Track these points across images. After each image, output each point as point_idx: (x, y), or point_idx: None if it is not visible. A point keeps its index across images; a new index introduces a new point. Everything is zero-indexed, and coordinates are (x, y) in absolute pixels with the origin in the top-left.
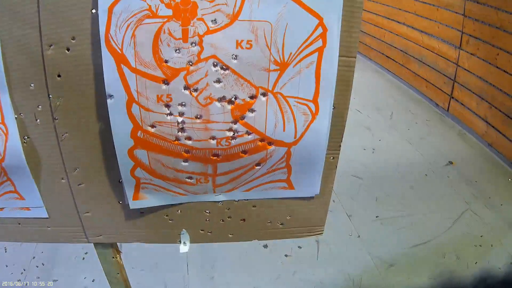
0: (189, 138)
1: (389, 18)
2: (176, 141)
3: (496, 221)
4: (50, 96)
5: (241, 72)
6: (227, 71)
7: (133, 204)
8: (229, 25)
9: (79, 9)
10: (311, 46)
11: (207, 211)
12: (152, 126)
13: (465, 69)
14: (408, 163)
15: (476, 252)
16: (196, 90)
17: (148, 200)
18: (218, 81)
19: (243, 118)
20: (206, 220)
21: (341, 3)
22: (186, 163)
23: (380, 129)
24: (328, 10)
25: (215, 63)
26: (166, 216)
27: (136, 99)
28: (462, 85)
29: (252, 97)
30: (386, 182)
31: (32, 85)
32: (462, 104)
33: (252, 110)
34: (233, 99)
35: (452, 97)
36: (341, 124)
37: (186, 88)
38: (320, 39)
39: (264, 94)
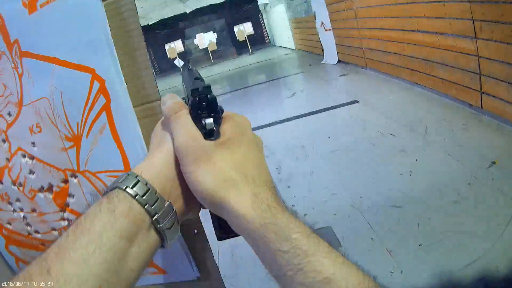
0: (37, 232)
1: (403, 30)
2: (29, 235)
3: None
4: None
5: (44, 158)
6: (33, 161)
7: None
8: (19, 114)
9: None
10: (94, 107)
11: None
12: (9, 224)
13: (486, 58)
14: (449, 177)
15: None
16: (21, 184)
17: None
18: (31, 172)
19: (67, 205)
20: None
21: (110, 41)
22: None
23: (416, 149)
24: (98, 55)
25: (24, 155)
26: None
27: None
28: (488, 76)
29: (65, 181)
30: (428, 204)
31: None
32: (493, 96)
33: (71, 195)
34: (50, 187)
35: (483, 92)
36: None
37: (13, 184)
38: (101, 95)
39: (73, 176)
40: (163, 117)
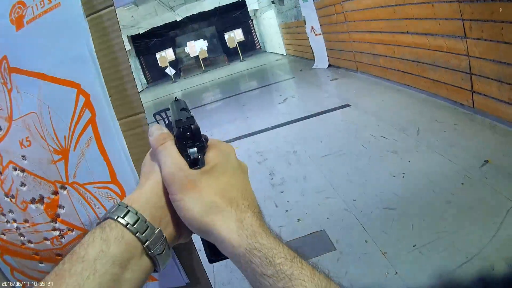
0: (30, 242)
1: (393, 32)
2: (23, 245)
3: None
4: None
5: (34, 171)
6: (24, 173)
7: None
8: (9, 129)
9: None
10: (80, 121)
11: None
12: (3, 234)
13: (476, 57)
14: (442, 177)
15: None
16: (13, 196)
17: None
18: (22, 184)
19: (58, 216)
20: None
21: (94, 56)
22: (43, 265)
23: (408, 150)
24: (82, 71)
25: (15, 168)
26: None
27: None
28: (479, 75)
29: (55, 193)
30: (421, 205)
31: None
32: (485, 95)
33: (61, 206)
34: (41, 199)
35: (474, 92)
36: None
37: (6, 196)
38: (87, 109)
39: (63, 188)
40: (151, 149)
